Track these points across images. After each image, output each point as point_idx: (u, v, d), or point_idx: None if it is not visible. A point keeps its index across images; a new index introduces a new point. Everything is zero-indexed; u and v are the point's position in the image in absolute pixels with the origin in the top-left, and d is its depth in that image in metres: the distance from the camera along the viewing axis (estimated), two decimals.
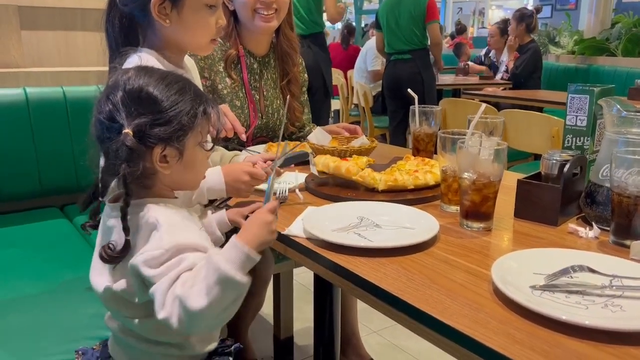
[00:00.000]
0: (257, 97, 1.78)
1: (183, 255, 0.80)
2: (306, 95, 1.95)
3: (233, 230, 1.13)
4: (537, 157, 3.30)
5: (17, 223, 1.85)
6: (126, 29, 1.22)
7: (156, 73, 0.89)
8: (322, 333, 1.59)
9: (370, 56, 5.03)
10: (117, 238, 0.86)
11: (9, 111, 1.86)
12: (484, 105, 1.13)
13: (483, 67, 5.49)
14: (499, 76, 4.97)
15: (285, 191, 1.25)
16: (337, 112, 6.38)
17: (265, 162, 1.23)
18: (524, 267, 0.85)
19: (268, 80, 1.81)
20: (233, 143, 1.72)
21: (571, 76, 5.32)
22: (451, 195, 1.16)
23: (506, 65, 4.75)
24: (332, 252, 0.93)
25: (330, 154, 1.45)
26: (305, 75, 1.94)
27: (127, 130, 0.83)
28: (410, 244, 0.93)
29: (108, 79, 0.93)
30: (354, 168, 1.25)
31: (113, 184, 0.90)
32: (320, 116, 3.02)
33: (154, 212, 0.85)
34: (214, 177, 1.12)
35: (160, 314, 0.77)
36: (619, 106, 1.07)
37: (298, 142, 1.71)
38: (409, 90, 1.56)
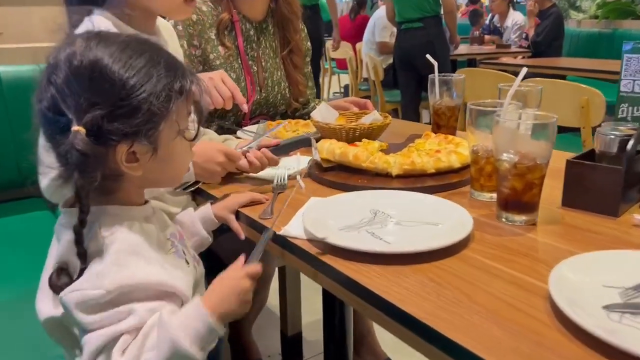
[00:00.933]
0: (255, 68, 1.57)
1: (129, 307, 0.62)
2: (310, 67, 1.74)
3: (220, 229, 0.94)
4: (562, 129, 3.06)
5: None
6: None
7: (113, 41, 0.67)
8: (331, 330, 1.42)
9: (378, 26, 4.75)
10: (70, 259, 0.67)
11: None
12: (524, 68, 0.91)
13: (494, 37, 5.18)
14: (504, 41, 4.66)
15: (284, 178, 1.05)
16: (346, 87, 6.14)
17: (260, 149, 1.03)
18: (590, 277, 0.65)
19: (267, 49, 1.60)
20: (228, 122, 1.52)
21: (594, 42, 5.00)
22: (484, 180, 0.95)
23: (525, 32, 4.45)
24: (340, 259, 0.74)
25: (337, 133, 1.24)
26: (308, 43, 1.72)
27: (77, 127, 0.63)
28: (439, 247, 0.73)
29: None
30: (363, 154, 1.05)
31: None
32: None
33: (107, 229, 0.66)
34: None
35: None
36: None
37: (299, 120, 1.50)
38: (427, 56, 1.34)
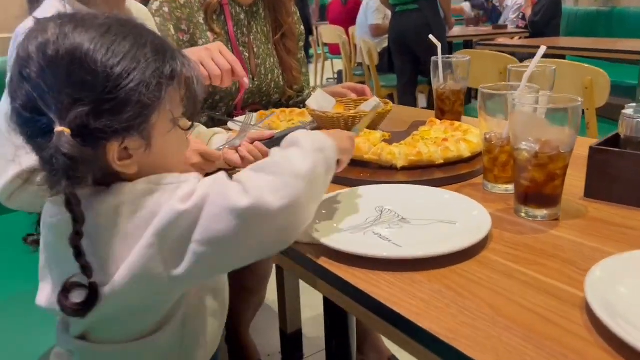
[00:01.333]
0: (247, 54, 1.48)
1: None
2: (303, 53, 1.64)
3: None
4: None
5: None
6: None
7: (90, 24, 0.59)
8: (333, 326, 1.35)
9: (371, 9, 4.64)
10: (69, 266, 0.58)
11: None
12: (543, 47, 0.83)
13: (478, 12, 5.01)
14: (502, 21, 4.56)
15: None
16: (339, 72, 6.02)
17: (252, 142, 0.94)
18: (632, 281, 0.57)
19: (258, 34, 1.50)
20: (219, 112, 1.43)
21: (592, 21, 4.90)
22: (498, 171, 0.87)
23: (522, 12, 4.35)
24: (344, 266, 0.66)
25: (335, 122, 1.15)
26: (302, 27, 1.63)
27: (61, 128, 0.55)
28: (458, 249, 0.65)
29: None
30: (365, 145, 0.96)
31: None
32: None
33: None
34: None
35: (244, 200, 0.57)
36: None
37: (294, 109, 1.41)
38: (430, 36, 1.25)
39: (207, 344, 0.74)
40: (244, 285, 1.45)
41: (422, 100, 4.23)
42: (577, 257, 0.66)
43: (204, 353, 0.74)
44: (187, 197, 0.57)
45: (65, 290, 0.59)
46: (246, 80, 1.07)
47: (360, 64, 4.61)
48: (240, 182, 0.59)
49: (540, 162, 0.74)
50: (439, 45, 1.22)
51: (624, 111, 0.84)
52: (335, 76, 6.38)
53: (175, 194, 0.58)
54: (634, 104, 0.86)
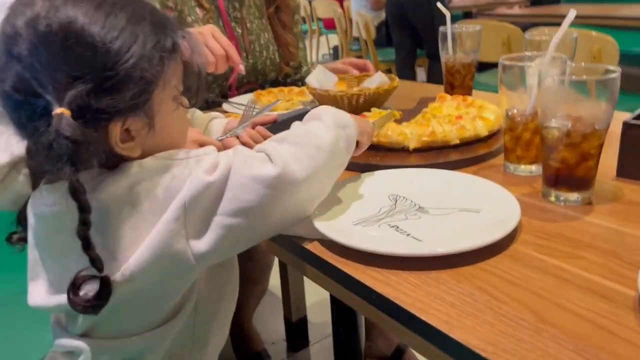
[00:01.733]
0: (239, 31, 1.38)
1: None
2: (300, 26, 1.54)
3: None
4: None
5: None
6: None
7: None
8: (340, 312, 1.29)
9: None
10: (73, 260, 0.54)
11: None
12: (572, 10, 0.74)
13: None
14: None
15: None
16: (335, 48, 5.87)
17: (254, 127, 0.86)
18: None
19: (251, 7, 1.40)
20: (213, 93, 1.35)
21: None
22: (521, 150, 0.79)
23: None
24: (361, 265, 0.58)
25: (338, 100, 1.07)
26: None
27: (60, 109, 0.51)
28: (485, 244, 0.58)
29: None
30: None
31: None
32: None
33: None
34: None
35: (271, 169, 0.57)
36: None
37: (292, 88, 1.32)
38: (438, 4, 1.16)
39: (220, 329, 0.72)
40: (246, 276, 1.37)
41: (421, 74, 4.11)
42: (619, 248, 0.58)
43: (216, 341, 0.72)
44: (212, 169, 0.56)
45: (74, 285, 0.54)
46: (241, 66, 1.00)
47: (356, 39, 4.48)
48: (264, 152, 0.59)
49: (573, 141, 0.67)
50: (447, 13, 1.13)
51: None
52: (331, 52, 6.22)
53: (199, 166, 0.56)
54: None
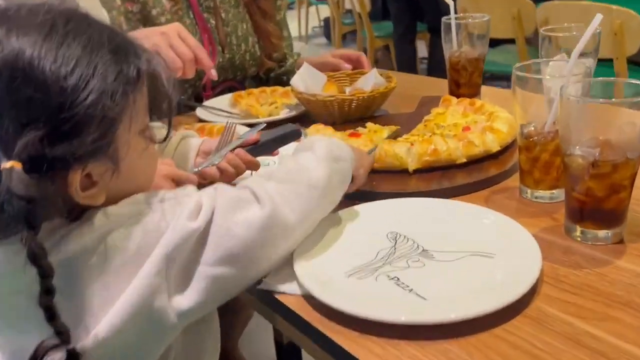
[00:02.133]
0: (213, 22, 1.32)
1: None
2: (283, 13, 1.48)
3: None
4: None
5: None
6: None
7: (27, 23, 0.50)
8: None
9: None
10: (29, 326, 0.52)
11: None
12: (599, 15, 0.68)
13: None
14: None
15: None
16: (326, 20, 5.78)
17: (234, 150, 0.81)
18: None
19: None
20: (185, 96, 1.29)
21: None
22: (539, 173, 0.74)
23: None
24: (350, 331, 0.54)
25: (327, 106, 1.02)
26: None
27: (10, 163, 0.47)
28: (501, 305, 0.53)
29: None
30: (369, 148, 0.83)
31: None
32: None
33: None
34: None
35: (257, 211, 0.56)
36: None
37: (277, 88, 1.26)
38: None
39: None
40: (229, 306, 1.35)
41: (422, 49, 4.04)
42: None
43: None
44: (195, 213, 0.55)
45: (36, 358, 0.50)
46: (213, 72, 0.95)
47: (349, 11, 4.40)
48: (249, 189, 0.58)
49: (601, 171, 0.62)
50: (451, 3, 1.07)
51: None
52: (322, 24, 6.13)
53: (179, 211, 0.55)
54: None
